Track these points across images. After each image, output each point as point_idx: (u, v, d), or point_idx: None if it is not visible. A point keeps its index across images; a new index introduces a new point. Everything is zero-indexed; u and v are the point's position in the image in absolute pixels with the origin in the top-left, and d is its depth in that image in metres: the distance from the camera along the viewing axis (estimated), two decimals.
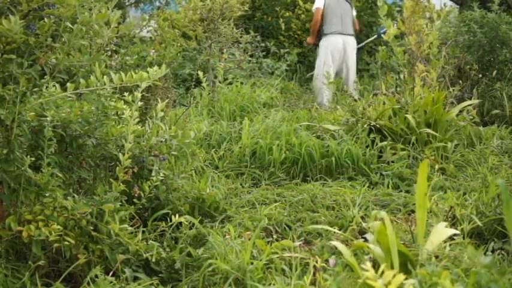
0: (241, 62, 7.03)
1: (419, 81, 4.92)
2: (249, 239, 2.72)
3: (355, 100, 5.35)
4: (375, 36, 8.54)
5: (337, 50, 7.48)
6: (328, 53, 7.46)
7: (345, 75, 7.56)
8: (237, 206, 3.65)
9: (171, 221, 2.96)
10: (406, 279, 1.72)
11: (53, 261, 2.63)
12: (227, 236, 2.94)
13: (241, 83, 7.00)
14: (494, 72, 6.08)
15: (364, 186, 4.00)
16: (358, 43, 7.86)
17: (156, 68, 2.68)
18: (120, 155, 2.86)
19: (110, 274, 2.53)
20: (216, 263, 2.60)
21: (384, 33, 8.30)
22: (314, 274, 2.46)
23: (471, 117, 5.17)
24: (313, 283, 2.41)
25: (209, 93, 6.31)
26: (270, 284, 2.49)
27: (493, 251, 2.88)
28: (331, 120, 5.26)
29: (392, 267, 2.19)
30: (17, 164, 2.48)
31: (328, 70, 7.28)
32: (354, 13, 7.83)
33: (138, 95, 2.93)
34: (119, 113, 2.94)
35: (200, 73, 6.31)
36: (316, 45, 7.80)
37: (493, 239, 3.00)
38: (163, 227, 3.00)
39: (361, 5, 9.77)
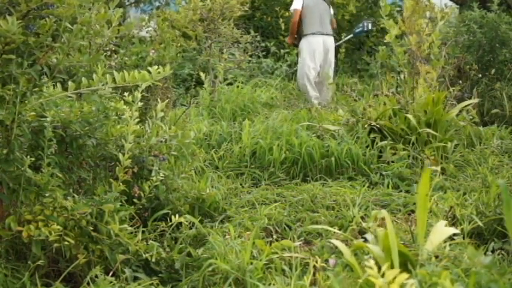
0: (241, 62, 7.02)
1: (422, 82, 4.91)
2: (249, 239, 2.72)
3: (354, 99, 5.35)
4: (351, 35, 8.59)
5: (319, 51, 7.50)
6: (311, 53, 7.46)
7: (322, 77, 7.61)
8: (237, 206, 3.65)
9: (171, 221, 2.96)
10: (406, 279, 1.72)
11: (53, 261, 2.63)
12: (227, 236, 2.94)
13: (242, 83, 7.01)
14: (493, 71, 6.08)
15: (364, 186, 3.99)
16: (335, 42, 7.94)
17: (157, 67, 2.67)
18: (120, 155, 2.86)
19: (110, 274, 2.53)
20: (216, 263, 2.60)
21: (359, 32, 8.41)
22: (314, 274, 2.46)
23: (471, 117, 5.17)
24: (313, 283, 2.41)
25: (210, 94, 6.31)
26: (270, 284, 2.49)
27: (493, 251, 2.88)
28: (331, 120, 5.26)
29: (392, 267, 2.19)
30: (16, 164, 2.48)
31: (310, 71, 7.38)
32: (332, 12, 7.88)
33: (139, 95, 2.93)
34: (118, 113, 2.94)
35: (202, 74, 6.32)
36: (296, 45, 7.80)
37: (493, 239, 3.00)
38: (163, 227, 3.00)
39: (361, 5, 9.77)
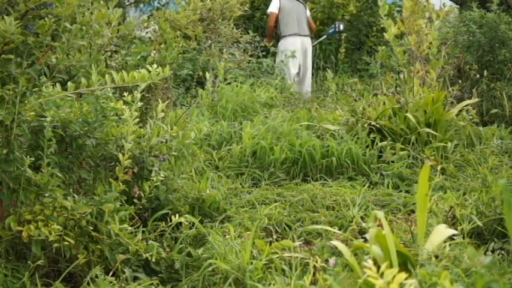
0: (241, 62, 7.03)
1: (417, 81, 4.92)
2: (249, 239, 2.72)
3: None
4: (325, 36, 8.70)
5: (297, 51, 7.67)
6: (288, 54, 7.61)
7: (301, 75, 7.81)
8: (237, 206, 3.65)
9: (171, 221, 2.96)
10: (405, 279, 1.72)
11: (53, 261, 2.63)
12: (227, 236, 2.94)
13: (241, 83, 7.00)
14: (492, 71, 6.08)
15: (364, 186, 3.99)
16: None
17: (157, 67, 2.67)
18: (120, 155, 2.86)
19: (110, 274, 2.53)
20: (216, 263, 2.60)
21: (332, 33, 8.56)
22: (314, 274, 2.46)
23: (471, 117, 5.17)
24: (313, 283, 2.41)
25: (210, 93, 6.30)
26: (270, 284, 2.49)
27: (493, 251, 2.88)
28: (331, 120, 5.26)
29: (391, 267, 2.19)
30: (16, 164, 2.48)
31: (290, 73, 7.58)
32: (308, 13, 8.05)
33: (138, 95, 2.93)
34: (118, 113, 2.94)
35: (202, 73, 6.31)
36: (274, 46, 8.00)
37: (493, 239, 3.00)
38: (163, 227, 3.00)
39: (361, 5, 9.76)
